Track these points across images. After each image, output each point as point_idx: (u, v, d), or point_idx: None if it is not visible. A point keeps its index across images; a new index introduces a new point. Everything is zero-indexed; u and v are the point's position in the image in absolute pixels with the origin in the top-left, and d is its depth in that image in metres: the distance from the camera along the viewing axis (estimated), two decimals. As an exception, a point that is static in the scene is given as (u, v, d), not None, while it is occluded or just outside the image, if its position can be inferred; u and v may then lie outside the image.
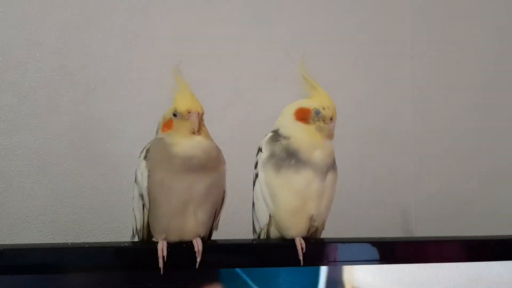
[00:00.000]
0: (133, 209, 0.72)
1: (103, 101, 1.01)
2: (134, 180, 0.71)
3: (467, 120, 1.23)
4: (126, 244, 0.69)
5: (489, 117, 1.24)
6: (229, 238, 0.96)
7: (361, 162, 1.15)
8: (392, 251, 0.75)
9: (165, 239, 0.67)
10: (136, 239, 0.73)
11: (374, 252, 0.74)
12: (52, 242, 0.95)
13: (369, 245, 0.74)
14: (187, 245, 0.67)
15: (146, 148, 0.70)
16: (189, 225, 0.68)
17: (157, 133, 0.72)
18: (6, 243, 0.92)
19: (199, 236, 0.68)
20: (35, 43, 0.99)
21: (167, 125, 0.69)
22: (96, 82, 1.01)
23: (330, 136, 0.72)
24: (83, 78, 1.01)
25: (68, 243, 0.68)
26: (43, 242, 0.95)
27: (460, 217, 1.18)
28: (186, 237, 0.68)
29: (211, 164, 0.68)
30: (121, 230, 0.99)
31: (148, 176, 0.67)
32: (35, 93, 0.98)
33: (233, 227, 0.99)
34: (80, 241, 0.96)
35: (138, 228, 0.71)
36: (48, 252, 0.65)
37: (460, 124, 1.23)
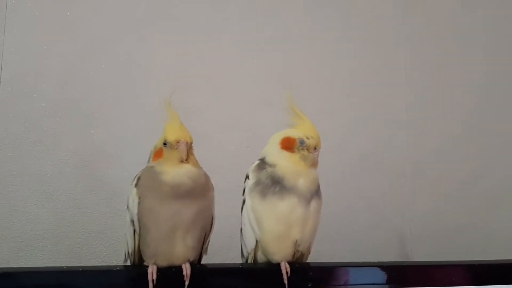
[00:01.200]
0: (125, 234, 0.75)
1: (104, 128, 1.06)
2: (126, 206, 0.74)
3: (460, 145, 1.25)
4: (118, 268, 0.72)
5: (483, 143, 1.26)
6: (227, 262, 0.99)
7: (356, 187, 1.18)
8: (378, 274, 0.77)
9: (155, 263, 0.70)
10: (128, 263, 0.76)
11: (358, 276, 0.76)
12: (55, 265, 0.98)
13: (352, 269, 0.76)
14: (176, 269, 0.70)
15: (137, 176, 0.73)
16: (178, 250, 0.70)
17: (148, 161, 0.76)
18: (10, 265, 0.96)
19: (188, 261, 0.71)
20: (41, 74, 1.04)
21: (158, 154, 0.73)
22: (98, 111, 1.06)
23: (314, 164, 0.75)
24: (86, 107, 1.05)
25: (63, 266, 0.71)
26: (47, 265, 0.98)
27: (455, 241, 1.19)
28: (176, 261, 0.71)
29: (199, 190, 0.71)
30: (121, 252, 1.00)
31: (139, 203, 0.70)
32: (41, 122, 1.03)
33: (231, 251, 1.01)
34: (82, 264, 1.00)
35: (130, 252, 0.74)
36: (44, 275, 0.69)
37: (454, 149, 1.24)
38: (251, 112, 1.13)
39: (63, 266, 0.71)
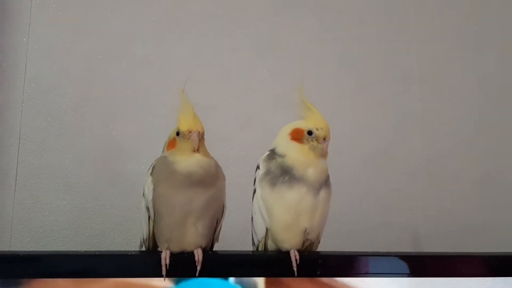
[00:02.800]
0: (141, 221, 0.78)
1: (123, 124, 1.09)
2: (142, 194, 0.77)
3: (474, 144, 1.25)
4: (133, 253, 0.75)
5: (496, 142, 1.26)
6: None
7: (369, 185, 1.19)
8: (387, 264, 0.78)
9: (168, 248, 0.73)
10: (143, 248, 0.79)
11: (367, 264, 0.77)
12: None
13: (361, 258, 0.78)
14: (188, 255, 0.73)
15: (152, 165, 0.76)
16: (189, 236, 0.73)
17: (163, 151, 0.79)
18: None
19: (200, 247, 0.74)
20: (64, 71, 1.08)
21: (171, 144, 0.76)
22: (117, 107, 1.10)
23: (323, 155, 0.77)
24: (106, 103, 1.09)
25: (80, 251, 0.74)
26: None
27: (468, 241, 1.19)
28: (188, 247, 0.73)
29: (210, 179, 0.73)
30: (138, 244, 1.05)
31: (153, 190, 0.73)
32: (63, 117, 1.07)
33: (245, 244, 1.02)
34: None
35: (145, 238, 0.77)
36: (61, 258, 0.72)
37: (468, 148, 1.25)
38: (264, 110, 1.16)
39: (80, 251, 0.74)
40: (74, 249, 1.03)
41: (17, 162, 1.03)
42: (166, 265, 0.71)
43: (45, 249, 1.02)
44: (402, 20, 1.28)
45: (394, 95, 1.24)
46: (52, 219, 1.03)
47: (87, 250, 1.01)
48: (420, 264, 0.80)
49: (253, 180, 0.80)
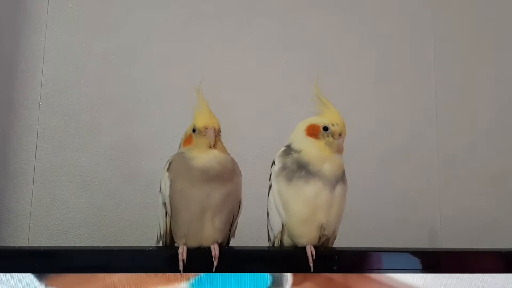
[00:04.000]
0: (158, 217, 0.79)
1: (139, 123, 1.10)
2: (159, 190, 0.78)
3: (491, 140, 1.24)
4: (150, 248, 0.76)
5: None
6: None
7: (387, 182, 1.19)
8: (400, 260, 0.78)
9: (185, 244, 0.73)
10: (160, 244, 0.79)
11: (383, 260, 0.77)
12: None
13: (377, 253, 0.77)
14: (205, 250, 0.73)
15: (169, 161, 0.77)
16: (206, 232, 0.73)
17: (179, 147, 0.79)
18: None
19: (217, 242, 0.74)
20: (80, 70, 1.10)
21: (187, 140, 0.77)
22: (133, 106, 1.10)
23: (339, 150, 0.77)
24: (122, 102, 1.10)
25: (99, 246, 0.75)
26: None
27: (486, 237, 1.18)
28: (205, 243, 0.74)
29: (227, 175, 0.74)
30: (155, 240, 1.06)
31: (170, 185, 0.74)
32: (79, 116, 1.08)
33: (261, 240, 1.03)
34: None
35: (162, 233, 0.78)
36: (80, 253, 0.73)
37: (485, 144, 1.24)
38: (280, 107, 1.16)
39: (99, 246, 0.75)
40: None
41: (35, 160, 1.05)
42: (183, 260, 0.71)
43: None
44: (420, 16, 1.27)
45: (411, 91, 1.24)
46: (69, 216, 1.05)
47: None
48: (436, 260, 0.79)
49: (269, 176, 0.80)
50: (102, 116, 1.09)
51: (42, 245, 1.01)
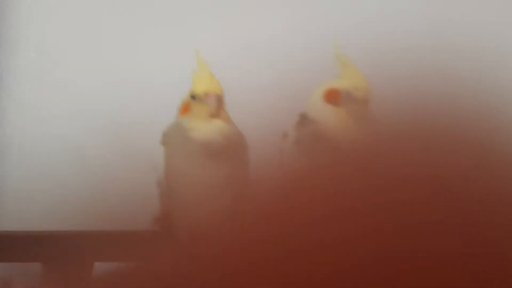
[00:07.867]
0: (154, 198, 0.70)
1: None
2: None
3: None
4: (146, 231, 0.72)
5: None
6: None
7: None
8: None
9: (183, 227, 0.65)
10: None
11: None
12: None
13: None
14: (207, 234, 0.65)
15: (163, 132, 0.68)
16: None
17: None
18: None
19: (220, 226, 0.66)
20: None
21: (185, 108, 0.67)
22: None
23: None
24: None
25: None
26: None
27: None
28: (206, 226, 0.66)
29: (232, 149, 0.65)
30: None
31: (165, 162, 0.66)
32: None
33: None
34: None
35: (158, 216, 0.70)
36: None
37: None
38: (295, 71, 1.06)
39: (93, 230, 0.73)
40: (86, 227, 0.98)
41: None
42: (182, 245, 0.64)
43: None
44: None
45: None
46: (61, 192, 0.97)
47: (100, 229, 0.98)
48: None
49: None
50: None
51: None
